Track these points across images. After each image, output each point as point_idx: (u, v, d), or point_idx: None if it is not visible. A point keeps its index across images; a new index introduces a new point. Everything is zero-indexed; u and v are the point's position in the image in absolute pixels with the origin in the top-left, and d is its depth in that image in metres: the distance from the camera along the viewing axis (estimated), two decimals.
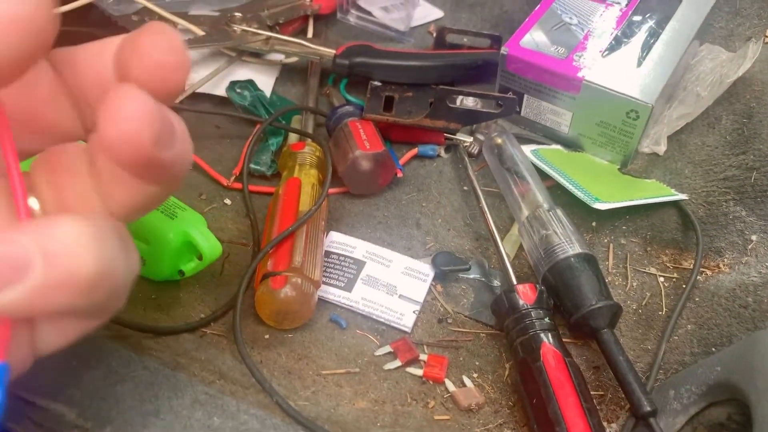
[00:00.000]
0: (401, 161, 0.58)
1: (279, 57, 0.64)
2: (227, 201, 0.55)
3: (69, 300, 0.18)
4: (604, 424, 0.42)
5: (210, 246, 0.44)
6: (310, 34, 0.68)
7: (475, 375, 0.45)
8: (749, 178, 0.52)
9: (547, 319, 0.44)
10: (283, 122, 0.59)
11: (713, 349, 0.44)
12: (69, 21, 0.61)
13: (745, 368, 0.37)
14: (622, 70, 0.55)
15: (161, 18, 0.62)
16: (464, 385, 0.44)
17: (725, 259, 0.50)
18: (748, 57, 0.58)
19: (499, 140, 0.56)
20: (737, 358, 0.39)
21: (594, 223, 0.54)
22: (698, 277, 0.49)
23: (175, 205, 0.46)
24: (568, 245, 0.47)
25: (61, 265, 0.18)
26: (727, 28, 0.67)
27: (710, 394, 0.40)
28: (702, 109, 0.59)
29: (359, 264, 0.50)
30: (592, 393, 0.42)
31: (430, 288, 0.50)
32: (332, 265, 0.50)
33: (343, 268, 0.50)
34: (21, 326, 0.20)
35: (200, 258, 0.45)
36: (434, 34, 0.66)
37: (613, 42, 0.58)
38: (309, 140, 0.56)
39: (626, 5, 0.61)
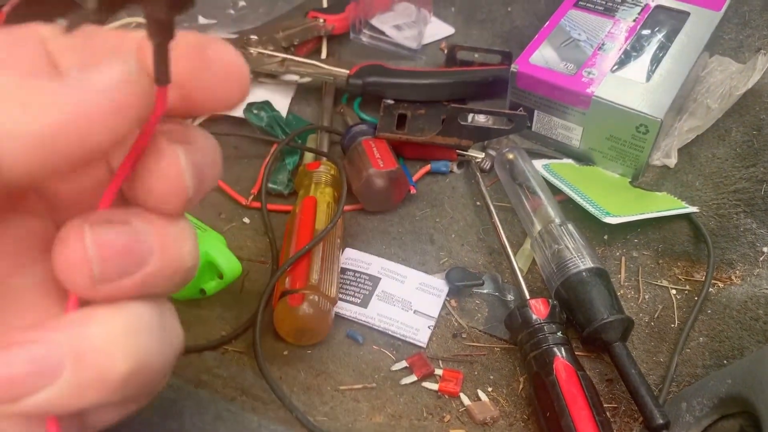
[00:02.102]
0: (414, 178, 0.59)
1: (294, 78, 0.66)
2: (246, 220, 0.56)
3: (101, 397, 0.18)
4: None
5: (230, 266, 0.46)
6: (324, 55, 0.69)
7: (489, 389, 0.46)
8: (759, 191, 0.53)
9: (559, 334, 0.45)
10: (299, 142, 0.61)
11: (725, 361, 0.45)
12: None
13: (755, 381, 0.37)
14: (631, 84, 0.56)
15: None
16: (479, 399, 0.45)
17: (737, 271, 0.50)
18: (758, 69, 0.59)
19: (511, 156, 0.57)
20: (747, 371, 0.39)
21: (606, 237, 0.54)
22: (710, 289, 0.50)
23: (196, 225, 0.48)
24: (580, 260, 0.48)
25: (92, 367, 0.17)
26: (736, 39, 0.67)
27: (722, 406, 0.40)
28: (712, 122, 0.60)
29: (374, 280, 0.51)
30: (605, 405, 0.43)
31: (444, 303, 0.51)
32: (348, 282, 0.51)
33: (359, 285, 0.51)
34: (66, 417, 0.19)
35: (221, 277, 0.47)
36: (445, 51, 0.68)
37: (622, 57, 0.59)
38: (324, 159, 0.57)
39: (635, 20, 0.62)
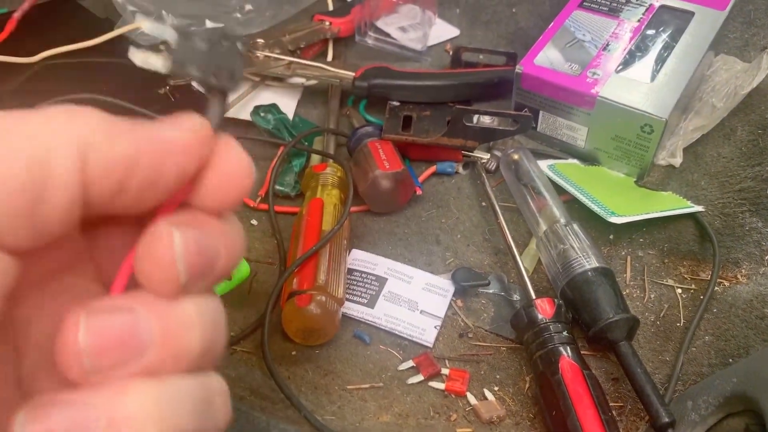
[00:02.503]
0: (420, 179, 0.59)
1: (300, 80, 0.67)
2: (254, 221, 0.57)
3: None
4: None
5: (238, 267, 0.47)
6: (329, 57, 0.70)
7: (496, 388, 0.46)
8: (765, 189, 0.53)
9: (565, 333, 0.45)
10: (306, 144, 0.61)
11: (731, 360, 0.45)
12: (101, 52, 0.64)
13: (761, 380, 0.38)
14: (635, 84, 0.56)
15: None
16: (485, 398, 0.46)
17: (742, 270, 0.50)
18: (763, 67, 0.59)
19: (516, 156, 0.58)
20: (753, 370, 0.39)
21: (611, 236, 0.55)
22: (716, 288, 0.50)
23: None
24: (585, 259, 0.48)
25: None
26: (741, 38, 0.67)
27: (727, 405, 0.40)
28: (717, 121, 0.60)
29: (381, 281, 0.52)
30: (611, 404, 0.43)
31: (450, 303, 0.51)
32: (355, 283, 0.52)
33: (366, 285, 0.52)
34: None
35: (229, 278, 0.47)
36: (450, 53, 0.68)
37: (626, 57, 0.59)
38: (330, 161, 0.58)
39: (639, 20, 0.62)
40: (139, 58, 0.20)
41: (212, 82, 0.20)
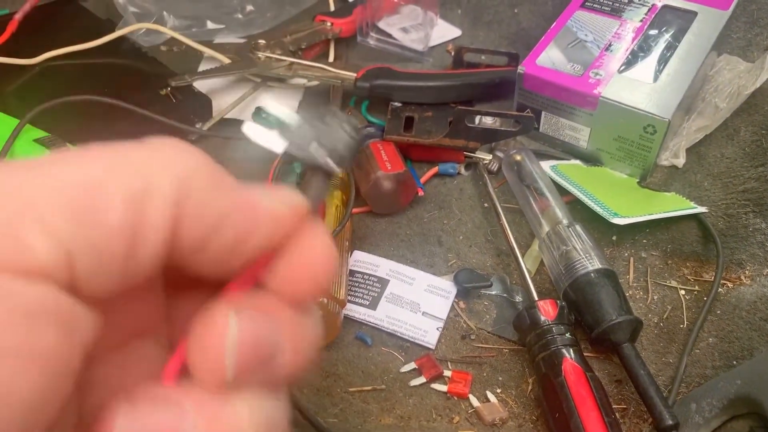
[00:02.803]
0: (422, 180, 0.59)
1: (302, 81, 0.66)
2: None
3: None
4: None
5: None
6: (331, 58, 0.70)
7: (498, 390, 0.46)
8: None
9: (568, 335, 0.45)
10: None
11: (734, 362, 0.45)
12: (103, 53, 0.64)
13: (765, 382, 0.37)
14: (638, 85, 0.56)
15: (188, 48, 0.65)
16: (488, 400, 0.45)
17: (746, 271, 0.50)
18: (766, 67, 0.59)
19: (518, 157, 0.57)
20: (757, 372, 0.39)
21: (614, 237, 0.54)
22: (719, 289, 0.49)
23: None
24: (588, 261, 0.48)
25: None
26: (745, 38, 0.67)
27: (731, 407, 0.40)
28: (720, 121, 0.59)
29: (383, 282, 0.52)
30: (614, 407, 0.43)
31: (452, 305, 0.51)
32: (357, 284, 0.52)
33: (368, 287, 0.51)
34: None
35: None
36: (452, 54, 0.68)
37: (629, 57, 0.59)
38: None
39: (642, 20, 0.62)
40: (253, 132, 0.19)
41: (319, 162, 0.19)
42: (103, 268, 0.15)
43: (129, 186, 0.15)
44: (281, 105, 0.19)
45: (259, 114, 0.62)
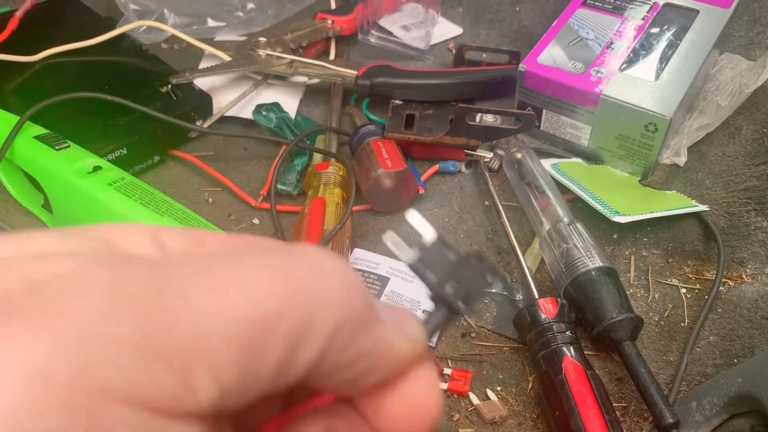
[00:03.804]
0: (423, 178, 0.59)
1: (303, 79, 0.66)
2: (255, 221, 0.57)
3: None
4: None
5: None
6: (332, 56, 0.70)
7: (498, 388, 0.46)
8: None
9: (568, 333, 0.45)
10: (308, 143, 0.61)
11: (735, 360, 0.45)
12: (103, 51, 0.64)
13: (765, 380, 0.37)
14: (639, 83, 0.56)
15: (189, 45, 0.65)
16: (488, 398, 0.45)
17: (747, 270, 0.50)
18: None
19: (519, 155, 0.57)
20: (758, 370, 0.39)
21: (615, 236, 0.54)
22: (720, 288, 0.49)
23: (206, 226, 0.48)
24: (589, 259, 0.48)
25: None
26: (746, 36, 0.67)
27: (732, 405, 0.40)
28: (722, 120, 0.59)
29: (383, 280, 0.52)
30: (614, 405, 0.43)
31: None
32: None
33: (368, 285, 0.51)
34: None
35: None
36: (453, 52, 0.68)
37: (630, 55, 0.58)
38: (333, 160, 0.58)
39: (643, 18, 0.62)
40: (391, 240, 0.19)
41: (447, 296, 0.18)
42: (243, 399, 0.14)
43: (294, 327, 0.14)
44: (424, 221, 0.19)
45: (259, 111, 0.62)
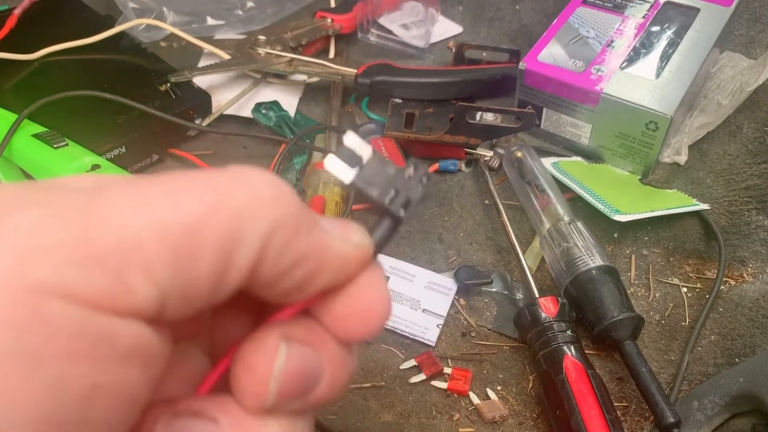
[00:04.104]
0: None
1: (302, 77, 0.66)
2: None
3: None
4: None
5: None
6: (331, 54, 0.70)
7: (499, 387, 0.46)
8: None
9: (569, 332, 0.44)
10: (307, 141, 0.61)
11: (737, 359, 0.45)
12: (102, 49, 0.63)
13: (767, 379, 0.37)
14: (640, 81, 0.55)
15: (188, 43, 0.64)
16: (488, 398, 0.45)
17: (749, 269, 0.50)
18: None
19: (519, 154, 0.57)
20: (760, 369, 0.39)
21: (616, 235, 0.54)
22: (721, 287, 0.49)
23: None
24: (589, 258, 0.48)
25: None
26: (747, 35, 0.67)
27: (734, 405, 0.40)
28: (723, 118, 0.59)
29: None
30: (615, 404, 0.42)
31: (453, 302, 0.50)
32: None
33: None
34: None
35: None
36: (453, 50, 0.67)
37: (631, 53, 0.58)
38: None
39: (644, 16, 0.62)
40: (331, 163, 0.20)
41: (388, 206, 0.19)
42: (186, 304, 0.15)
43: (225, 231, 0.15)
44: (360, 139, 0.20)
45: (258, 110, 0.62)
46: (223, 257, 0.15)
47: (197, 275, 0.15)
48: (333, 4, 0.75)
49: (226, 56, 0.64)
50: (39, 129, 0.52)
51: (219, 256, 0.15)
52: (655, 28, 0.61)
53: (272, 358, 0.17)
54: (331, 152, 0.20)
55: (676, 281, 0.51)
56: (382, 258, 0.52)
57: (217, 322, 0.20)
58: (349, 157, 0.19)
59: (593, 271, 0.47)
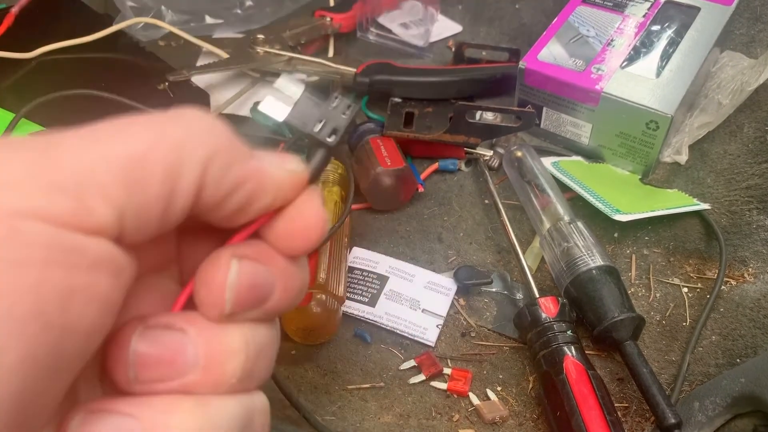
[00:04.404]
0: (422, 176, 0.59)
1: (301, 76, 0.66)
2: None
3: None
4: None
5: None
6: (330, 53, 0.69)
7: (498, 388, 0.46)
8: None
9: (569, 332, 0.44)
10: (306, 141, 0.60)
11: (738, 360, 0.44)
12: (100, 48, 0.63)
13: None
14: (640, 80, 0.55)
15: (186, 42, 0.64)
16: (488, 399, 0.45)
17: (749, 269, 0.49)
18: None
19: (519, 153, 0.57)
20: (761, 370, 0.39)
21: (616, 234, 0.54)
22: (722, 287, 0.49)
23: None
24: (590, 258, 0.47)
25: None
26: (748, 34, 0.66)
27: (735, 405, 0.40)
28: (723, 118, 0.59)
29: (382, 279, 0.51)
30: (616, 405, 0.42)
31: (452, 302, 0.50)
32: (356, 281, 0.51)
33: (367, 284, 0.51)
34: None
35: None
36: (453, 49, 0.67)
37: (631, 53, 0.58)
38: (332, 158, 0.57)
39: (644, 15, 0.61)
40: (266, 106, 0.22)
41: (316, 135, 0.22)
42: (143, 225, 0.18)
43: (167, 160, 0.18)
44: (291, 82, 0.21)
45: (256, 109, 0.61)
46: (167, 183, 0.18)
47: (148, 198, 0.17)
48: (332, 3, 0.74)
49: (225, 55, 0.64)
50: (36, 128, 0.51)
51: (164, 182, 0.17)
52: (655, 27, 0.60)
53: (225, 273, 0.19)
54: (268, 95, 0.23)
55: (676, 281, 0.51)
56: (385, 258, 0.52)
57: (185, 254, 0.22)
58: (283, 99, 0.22)
59: (594, 271, 0.46)
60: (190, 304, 0.20)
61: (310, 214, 0.21)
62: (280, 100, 0.22)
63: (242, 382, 0.19)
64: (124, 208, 0.17)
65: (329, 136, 0.22)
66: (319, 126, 0.22)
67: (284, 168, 0.20)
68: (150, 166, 0.17)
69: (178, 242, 0.22)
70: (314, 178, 0.21)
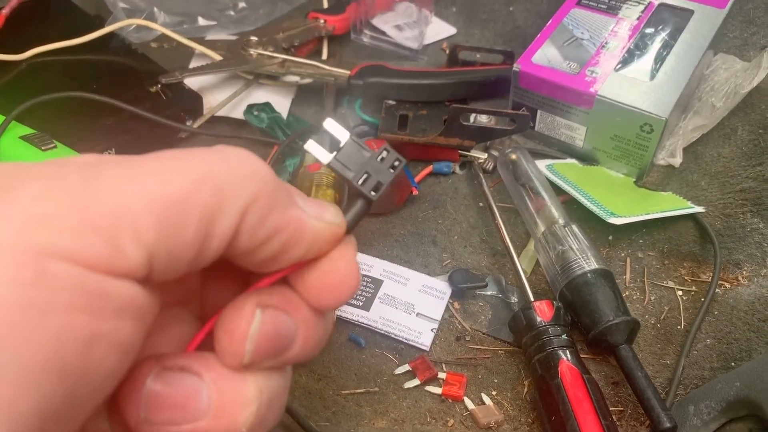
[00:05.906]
0: (416, 179, 0.58)
1: (295, 79, 0.66)
2: None
3: None
4: None
5: None
6: (324, 56, 0.69)
7: (494, 392, 0.45)
8: (766, 190, 0.52)
9: (564, 336, 0.44)
10: (300, 143, 0.60)
11: (733, 363, 0.44)
12: (92, 49, 0.63)
13: (764, 383, 0.37)
14: (634, 83, 0.55)
15: (179, 44, 0.64)
16: (483, 403, 0.45)
17: (744, 272, 0.49)
18: (763, 66, 0.58)
19: (514, 156, 0.57)
20: (756, 374, 0.38)
21: (610, 237, 0.54)
22: (717, 290, 0.49)
23: None
24: (584, 261, 0.47)
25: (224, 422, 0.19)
26: (741, 37, 0.67)
27: (730, 409, 0.39)
28: (717, 120, 0.59)
29: (377, 283, 0.51)
30: (611, 409, 0.42)
31: (447, 305, 0.50)
32: None
33: (361, 287, 0.51)
34: None
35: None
36: (447, 51, 0.67)
37: (625, 55, 0.58)
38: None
39: (638, 18, 0.61)
40: (311, 146, 0.22)
41: (360, 188, 0.22)
42: (172, 267, 0.17)
43: (206, 203, 0.17)
44: (339, 124, 0.22)
45: (250, 111, 0.61)
46: (204, 227, 0.17)
47: (182, 242, 0.17)
48: (326, 5, 0.74)
49: (218, 57, 0.63)
50: (27, 131, 0.51)
51: (201, 226, 0.17)
52: (649, 30, 0.60)
53: (249, 323, 0.19)
54: (311, 139, 0.22)
55: (671, 284, 0.51)
56: (379, 262, 0.52)
57: (207, 290, 0.22)
58: (329, 141, 0.21)
59: (588, 275, 0.46)
60: (207, 341, 0.19)
61: (345, 270, 0.20)
62: (324, 143, 0.21)
63: (252, 431, 0.19)
64: (155, 250, 0.17)
65: (373, 190, 0.22)
66: (363, 177, 0.22)
67: (323, 219, 0.20)
68: (189, 209, 0.17)
69: (203, 278, 0.22)
70: (350, 230, 0.21)
